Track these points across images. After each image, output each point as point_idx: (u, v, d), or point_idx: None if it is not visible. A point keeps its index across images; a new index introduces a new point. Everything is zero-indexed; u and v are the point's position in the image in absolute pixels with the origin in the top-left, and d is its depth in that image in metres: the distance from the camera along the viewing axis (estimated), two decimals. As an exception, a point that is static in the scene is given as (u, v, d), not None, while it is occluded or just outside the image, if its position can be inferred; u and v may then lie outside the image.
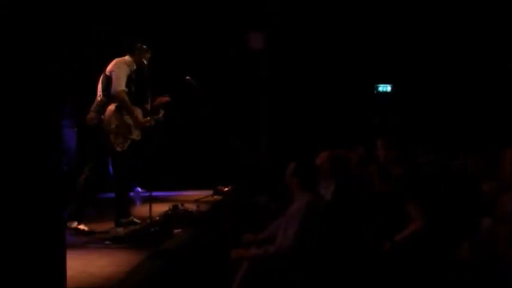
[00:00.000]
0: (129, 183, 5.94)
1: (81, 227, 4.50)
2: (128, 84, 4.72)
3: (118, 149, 4.63)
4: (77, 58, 6.00)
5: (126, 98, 4.62)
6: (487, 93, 8.62)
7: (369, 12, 9.00)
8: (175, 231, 4.49)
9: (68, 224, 4.49)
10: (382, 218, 3.78)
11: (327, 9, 8.96)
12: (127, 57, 4.81)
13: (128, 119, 4.71)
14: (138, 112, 4.93)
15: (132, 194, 6.64)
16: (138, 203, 6.50)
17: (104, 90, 4.64)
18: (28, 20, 1.51)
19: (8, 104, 1.44)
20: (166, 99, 6.69)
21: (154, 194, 6.21)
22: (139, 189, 6.96)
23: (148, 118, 5.17)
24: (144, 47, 4.89)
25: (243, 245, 3.91)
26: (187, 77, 6.69)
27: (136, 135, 4.86)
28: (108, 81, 4.62)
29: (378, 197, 4.03)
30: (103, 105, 4.60)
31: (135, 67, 4.83)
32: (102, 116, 4.56)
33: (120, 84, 4.59)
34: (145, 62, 4.91)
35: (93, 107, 4.68)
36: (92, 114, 4.65)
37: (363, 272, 3.46)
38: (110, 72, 4.63)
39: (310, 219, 3.43)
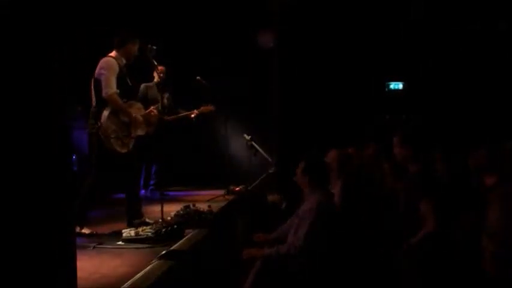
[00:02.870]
0: (139, 183, 5.95)
1: (84, 230, 4.50)
2: (122, 81, 4.64)
3: (123, 150, 4.62)
4: (87, 59, 6.01)
5: (119, 100, 4.55)
6: (496, 90, 8.53)
7: (380, 9, 8.95)
8: (187, 231, 4.48)
9: None
10: (394, 216, 3.74)
11: (337, 6, 8.92)
12: (113, 54, 4.67)
13: (126, 118, 4.68)
14: (138, 107, 4.89)
15: (144, 192, 6.64)
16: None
17: (96, 94, 4.58)
18: (29, 19, 1.51)
19: (10, 105, 1.44)
20: (211, 108, 6.77)
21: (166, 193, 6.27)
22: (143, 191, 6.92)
23: (151, 108, 5.17)
24: (131, 39, 4.71)
25: (255, 245, 3.90)
26: (198, 77, 6.72)
27: (140, 130, 4.85)
28: (98, 84, 4.54)
29: (390, 195, 4.00)
30: (98, 111, 4.54)
31: (124, 61, 4.72)
32: (99, 123, 4.51)
33: (110, 87, 4.49)
34: (135, 53, 4.75)
35: (90, 113, 4.66)
36: (90, 121, 4.62)
37: (373, 272, 3.43)
38: (99, 75, 4.54)
39: (321, 218, 3.41)
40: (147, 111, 5.00)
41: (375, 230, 3.74)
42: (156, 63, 5.09)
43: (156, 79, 6.55)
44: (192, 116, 6.77)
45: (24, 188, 1.45)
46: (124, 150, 4.63)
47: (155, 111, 5.19)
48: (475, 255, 3.30)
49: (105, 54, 4.71)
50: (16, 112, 1.40)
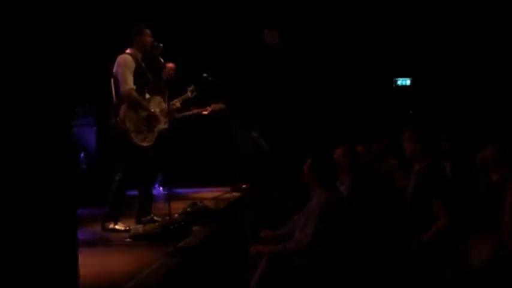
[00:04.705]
0: (154, 180, 5.97)
1: (118, 226, 4.54)
2: (141, 76, 4.66)
3: (144, 144, 4.63)
4: (97, 57, 6.03)
5: (136, 96, 4.56)
6: (505, 87, 8.48)
7: (388, 5, 8.91)
8: (194, 228, 4.49)
9: (106, 224, 4.55)
10: (403, 214, 3.71)
11: (345, 3, 8.89)
12: (128, 50, 4.68)
13: (145, 113, 4.68)
14: (158, 100, 4.89)
15: (155, 192, 6.64)
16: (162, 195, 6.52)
17: (115, 92, 4.61)
18: (35, 16, 1.51)
19: (13, 102, 1.44)
20: (222, 106, 6.80)
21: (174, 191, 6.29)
22: (160, 189, 6.94)
23: (173, 101, 5.17)
24: (138, 31, 4.69)
25: (262, 242, 3.90)
26: (204, 74, 6.72)
27: (163, 123, 4.85)
28: (116, 82, 4.57)
29: (398, 192, 3.97)
30: (116, 107, 4.57)
31: (140, 55, 4.71)
32: (118, 118, 4.55)
33: (125, 83, 4.51)
34: (149, 44, 4.72)
35: (111, 110, 4.68)
36: (112, 119, 4.65)
37: (380, 269, 3.41)
38: (115, 73, 4.57)
39: (329, 215, 3.40)
40: (170, 104, 4.98)
41: (383, 227, 3.72)
42: (162, 60, 5.09)
43: (165, 77, 6.57)
44: (205, 113, 6.79)
45: (27, 186, 1.45)
46: (145, 144, 4.64)
47: (177, 104, 5.20)
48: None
49: (116, 52, 4.72)
50: (20, 110, 1.40)
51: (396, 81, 9.64)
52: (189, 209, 4.99)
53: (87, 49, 6.16)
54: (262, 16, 8.53)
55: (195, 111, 6.77)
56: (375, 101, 9.18)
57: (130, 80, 4.54)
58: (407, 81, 9.64)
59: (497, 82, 8.57)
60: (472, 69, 8.74)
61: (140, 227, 4.47)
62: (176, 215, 4.76)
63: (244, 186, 6.92)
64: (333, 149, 4.27)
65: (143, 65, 4.74)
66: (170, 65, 6.62)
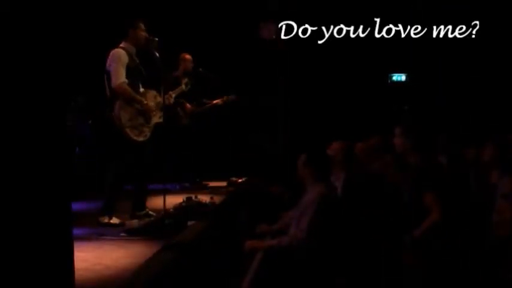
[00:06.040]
0: (150, 175, 5.95)
1: (113, 221, 4.54)
2: (135, 70, 4.64)
3: (139, 139, 4.61)
4: (90, 52, 6.01)
5: (128, 89, 4.53)
6: (501, 82, 8.50)
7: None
8: (189, 223, 4.49)
9: (101, 219, 4.55)
10: (398, 209, 3.73)
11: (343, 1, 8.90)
12: (122, 44, 4.66)
13: (139, 106, 4.66)
14: (153, 94, 4.87)
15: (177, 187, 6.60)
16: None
17: (108, 87, 4.58)
18: (31, 14, 1.50)
19: (10, 97, 1.43)
20: (233, 98, 6.80)
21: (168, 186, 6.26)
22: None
23: (168, 94, 5.18)
24: (131, 25, 4.67)
25: (257, 236, 3.91)
26: (200, 69, 6.71)
27: (158, 117, 4.83)
28: (108, 76, 4.55)
29: (393, 188, 3.98)
30: (111, 102, 4.55)
31: (134, 50, 4.69)
32: (112, 113, 4.53)
33: (118, 77, 4.49)
34: (143, 39, 4.69)
35: (106, 105, 4.66)
36: (106, 114, 4.63)
37: (375, 264, 3.43)
38: (108, 67, 4.55)
39: (322, 210, 3.41)
40: (165, 97, 4.97)
41: (377, 222, 3.73)
42: (158, 54, 5.06)
43: (181, 69, 6.55)
44: (220, 103, 6.78)
45: (22, 180, 1.45)
46: (141, 139, 4.62)
47: (171, 99, 5.21)
48: (479, 244, 3.32)
49: (109, 45, 4.69)
50: (16, 105, 1.40)
51: (391, 76, 9.66)
52: (184, 204, 4.99)
53: (80, 42, 6.13)
54: (260, 11, 8.51)
55: (210, 103, 6.77)
56: (370, 97, 9.19)
57: (122, 74, 4.51)
58: (403, 77, 9.65)
59: (497, 82, 8.59)
60: (472, 69, 8.76)
61: (135, 222, 4.47)
62: (171, 210, 4.76)
63: (239, 180, 6.92)
64: (328, 144, 4.27)
65: (137, 59, 4.73)
66: (188, 56, 6.59)
